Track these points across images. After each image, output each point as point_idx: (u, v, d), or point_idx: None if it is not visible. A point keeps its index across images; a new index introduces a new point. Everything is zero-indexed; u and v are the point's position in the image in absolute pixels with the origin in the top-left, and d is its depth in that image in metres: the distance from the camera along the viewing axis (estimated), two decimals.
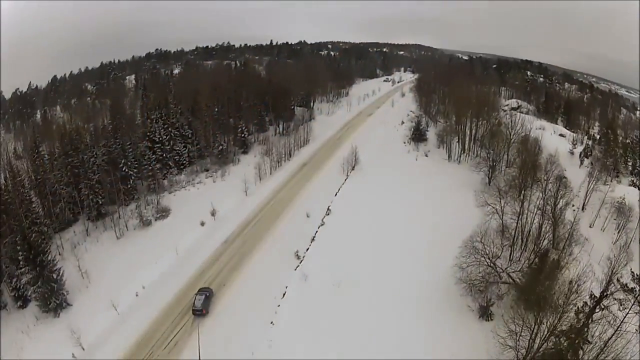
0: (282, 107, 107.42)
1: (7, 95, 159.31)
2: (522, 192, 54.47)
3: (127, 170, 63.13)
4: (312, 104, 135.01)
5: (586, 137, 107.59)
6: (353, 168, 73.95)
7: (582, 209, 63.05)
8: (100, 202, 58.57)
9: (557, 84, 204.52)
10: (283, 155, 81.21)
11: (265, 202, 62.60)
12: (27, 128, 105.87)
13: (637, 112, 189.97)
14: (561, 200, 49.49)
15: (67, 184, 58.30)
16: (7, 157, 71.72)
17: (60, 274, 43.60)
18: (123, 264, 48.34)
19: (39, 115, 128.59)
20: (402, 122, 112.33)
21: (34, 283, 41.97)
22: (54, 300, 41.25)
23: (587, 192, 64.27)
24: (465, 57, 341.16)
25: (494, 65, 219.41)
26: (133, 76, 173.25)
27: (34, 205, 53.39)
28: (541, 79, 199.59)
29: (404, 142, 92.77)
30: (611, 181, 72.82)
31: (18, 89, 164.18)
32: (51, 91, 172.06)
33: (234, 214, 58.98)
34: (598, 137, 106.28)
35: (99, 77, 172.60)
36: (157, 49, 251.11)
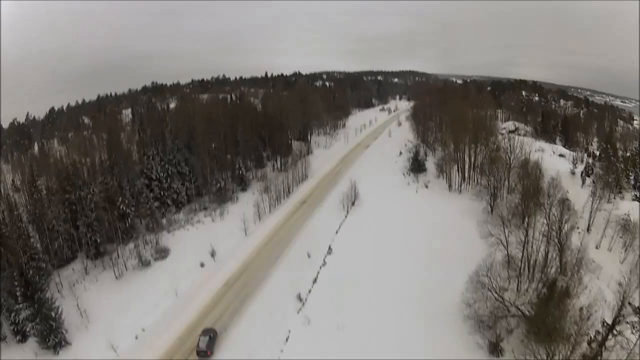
0: (279, 142, 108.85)
1: (5, 124, 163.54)
2: (526, 219, 54.71)
3: (124, 208, 63.63)
4: (309, 137, 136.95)
5: (586, 154, 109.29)
6: (353, 203, 74.59)
7: (588, 230, 63.96)
8: (98, 241, 59.06)
9: (553, 102, 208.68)
10: (282, 193, 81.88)
11: (265, 242, 63.06)
12: (25, 160, 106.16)
13: (635, 122, 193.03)
14: (566, 225, 49.89)
15: (65, 221, 58.89)
16: (5, 190, 72.61)
17: (59, 312, 44.01)
18: (122, 305, 48.71)
19: (36, 148, 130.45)
20: (400, 153, 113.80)
21: (32, 319, 42.73)
22: (52, 338, 41.82)
23: (591, 213, 65.09)
24: (460, 81, 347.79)
25: (489, 88, 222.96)
26: (129, 110, 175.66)
27: (32, 240, 54.03)
28: (536, 98, 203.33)
29: (403, 174, 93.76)
30: (614, 198, 73.89)
31: (16, 119, 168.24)
32: (48, 123, 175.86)
33: (234, 254, 59.41)
34: (598, 153, 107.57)
35: (95, 109, 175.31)
36: (153, 82, 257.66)
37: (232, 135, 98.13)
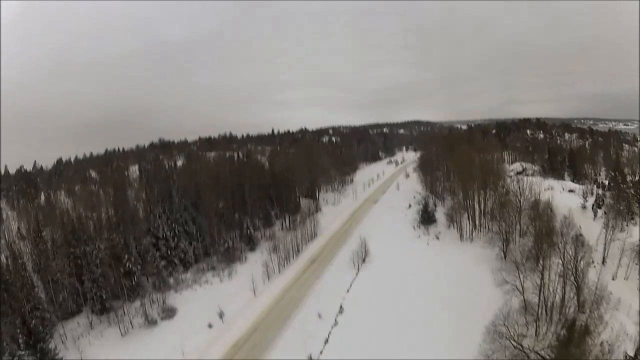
0: (287, 200, 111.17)
1: (12, 170, 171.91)
2: (541, 261, 55.01)
3: (130, 266, 64.94)
4: (317, 194, 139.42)
5: (595, 186, 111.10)
6: (364, 260, 75.05)
7: (603, 262, 64.31)
8: (104, 297, 60.34)
9: (558, 137, 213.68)
10: (291, 252, 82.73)
11: (275, 303, 63.21)
12: (32, 209, 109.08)
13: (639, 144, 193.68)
14: (581, 262, 50.71)
15: (70, 274, 60.62)
16: (10, 237, 75.45)
17: None
18: None
19: (43, 198, 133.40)
20: (410, 206, 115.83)
21: None
22: None
23: (605, 245, 65.53)
24: (464, 126, 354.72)
25: (494, 131, 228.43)
26: (137, 166, 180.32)
27: (36, 290, 55.19)
28: (541, 135, 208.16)
29: (413, 227, 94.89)
30: (627, 225, 74.46)
31: (22, 166, 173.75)
32: (55, 174, 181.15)
33: (242, 315, 59.53)
34: (607, 182, 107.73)
35: (103, 163, 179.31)
36: (160, 139, 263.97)
37: (239, 194, 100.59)
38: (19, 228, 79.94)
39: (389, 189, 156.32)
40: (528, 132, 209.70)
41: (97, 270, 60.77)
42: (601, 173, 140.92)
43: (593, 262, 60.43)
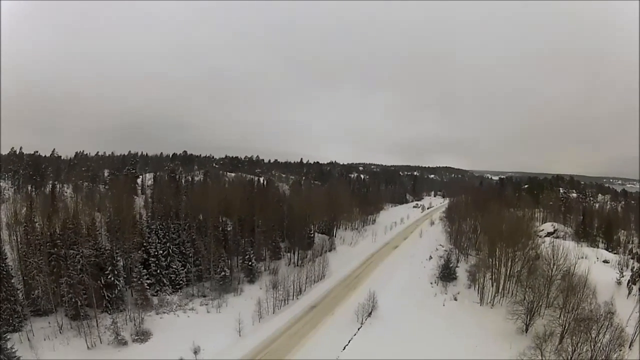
0: (300, 235, 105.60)
1: (27, 150, 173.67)
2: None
3: (112, 279, 62.26)
4: (334, 231, 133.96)
5: (629, 256, 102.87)
6: (370, 314, 67.63)
7: (630, 346, 55.11)
8: (79, 303, 57.46)
9: (591, 198, 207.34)
10: (291, 292, 76.73)
11: (259, 349, 56.40)
12: (37, 196, 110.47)
13: None
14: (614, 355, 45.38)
15: (49, 274, 58.91)
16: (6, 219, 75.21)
17: None
18: None
19: (49, 187, 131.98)
20: (430, 257, 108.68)
21: None
22: None
23: (636, 328, 57.32)
24: (495, 178, 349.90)
25: (525, 185, 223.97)
26: (152, 175, 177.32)
27: (13, 281, 55.08)
28: (574, 195, 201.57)
29: (431, 283, 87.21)
30: None
31: (37, 151, 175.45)
32: (69, 165, 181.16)
33: (219, 357, 53.30)
34: None
35: (120, 166, 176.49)
36: (184, 151, 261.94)
37: (249, 221, 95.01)
38: (15, 212, 76.05)
39: (411, 234, 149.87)
40: (561, 190, 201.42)
41: (75, 276, 58.36)
42: (634, 240, 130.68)
43: (622, 348, 51.99)
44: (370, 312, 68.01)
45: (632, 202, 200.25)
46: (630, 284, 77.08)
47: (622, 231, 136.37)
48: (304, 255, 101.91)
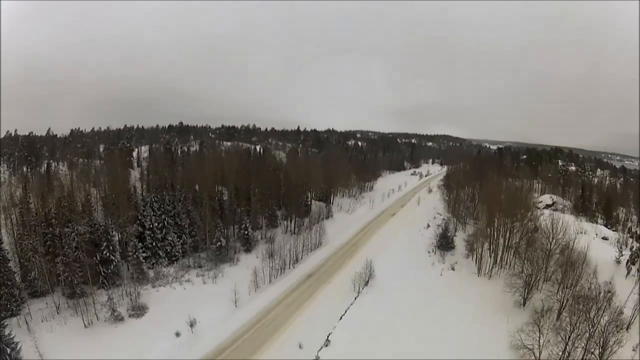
0: (297, 202, 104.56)
1: (22, 132, 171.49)
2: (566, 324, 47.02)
3: (108, 254, 61.30)
4: (332, 198, 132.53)
5: (629, 235, 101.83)
6: (367, 283, 67.13)
7: (627, 328, 53.92)
8: (75, 281, 56.58)
9: (590, 172, 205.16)
10: (288, 261, 75.84)
11: (255, 321, 55.85)
12: (33, 176, 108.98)
13: None
14: (613, 338, 43.55)
15: (45, 254, 57.81)
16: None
17: (17, 348, 42.18)
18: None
19: (45, 167, 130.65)
20: (428, 226, 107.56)
21: None
22: None
23: (634, 310, 56.23)
24: (494, 147, 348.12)
25: (524, 156, 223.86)
26: (147, 147, 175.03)
27: (9, 265, 53.70)
28: (573, 168, 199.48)
29: (429, 252, 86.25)
30: None
31: (32, 132, 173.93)
32: (64, 142, 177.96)
33: (215, 329, 52.88)
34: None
35: (116, 140, 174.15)
36: (180, 122, 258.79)
37: (245, 190, 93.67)
38: (11, 195, 74.77)
39: (408, 202, 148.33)
40: (560, 162, 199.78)
41: (71, 254, 57.13)
42: (633, 218, 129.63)
43: (619, 329, 51.30)
44: (367, 281, 67.43)
45: (632, 179, 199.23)
46: (629, 264, 75.97)
47: (622, 208, 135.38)
48: (300, 223, 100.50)
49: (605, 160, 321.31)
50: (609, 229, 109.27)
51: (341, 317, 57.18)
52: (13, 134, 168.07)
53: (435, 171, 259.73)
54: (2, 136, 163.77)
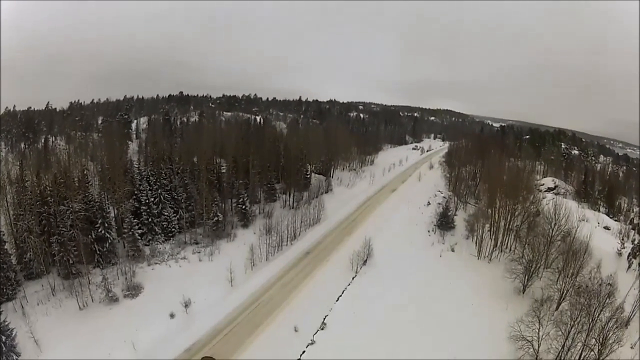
0: (296, 176, 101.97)
1: (21, 107, 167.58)
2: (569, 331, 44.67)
3: (103, 232, 59.55)
4: (331, 172, 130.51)
5: (630, 226, 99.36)
6: (365, 263, 65.80)
7: (626, 325, 51.99)
8: (70, 261, 55.15)
9: (593, 158, 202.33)
10: (286, 237, 73.99)
11: (251, 301, 54.52)
12: (31, 152, 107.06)
13: None
14: (612, 336, 41.73)
15: (40, 234, 56.39)
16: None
17: (13, 335, 41.30)
18: (76, 343, 43.68)
19: (42, 142, 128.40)
20: (428, 203, 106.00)
21: None
22: None
23: (633, 308, 54.63)
24: (496, 125, 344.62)
25: (527, 137, 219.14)
26: (146, 118, 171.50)
27: (5, 247, 52.42)
28: (575, 152, 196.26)
29: (428, 231, 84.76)
30: None
31: (30, 107, 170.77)
32: (63, 116, 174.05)
33: (210, 310, 51.65)
34: None
35: (114, 112, 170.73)
36: (180, 92, 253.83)
37: (244, 162, 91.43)
38: (8, 174, 73.20)
39: (409, 177, 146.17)
40: (562, 145, 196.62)
41: (66, 233, 55.36)
42: (634, 209, 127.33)
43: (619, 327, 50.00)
44: (366, 261, 66.09)
45: (634, 168, 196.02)
46: (630, 257, 74.08)
47: (624, 198, 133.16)
48: (299, 197, 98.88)
49: (607, 146, 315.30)
50: (611, 218, 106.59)
51: (338, 299, 55.91)
52: (12, 110, 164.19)
53: (437, 147, 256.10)
54: (2, 112, 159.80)
